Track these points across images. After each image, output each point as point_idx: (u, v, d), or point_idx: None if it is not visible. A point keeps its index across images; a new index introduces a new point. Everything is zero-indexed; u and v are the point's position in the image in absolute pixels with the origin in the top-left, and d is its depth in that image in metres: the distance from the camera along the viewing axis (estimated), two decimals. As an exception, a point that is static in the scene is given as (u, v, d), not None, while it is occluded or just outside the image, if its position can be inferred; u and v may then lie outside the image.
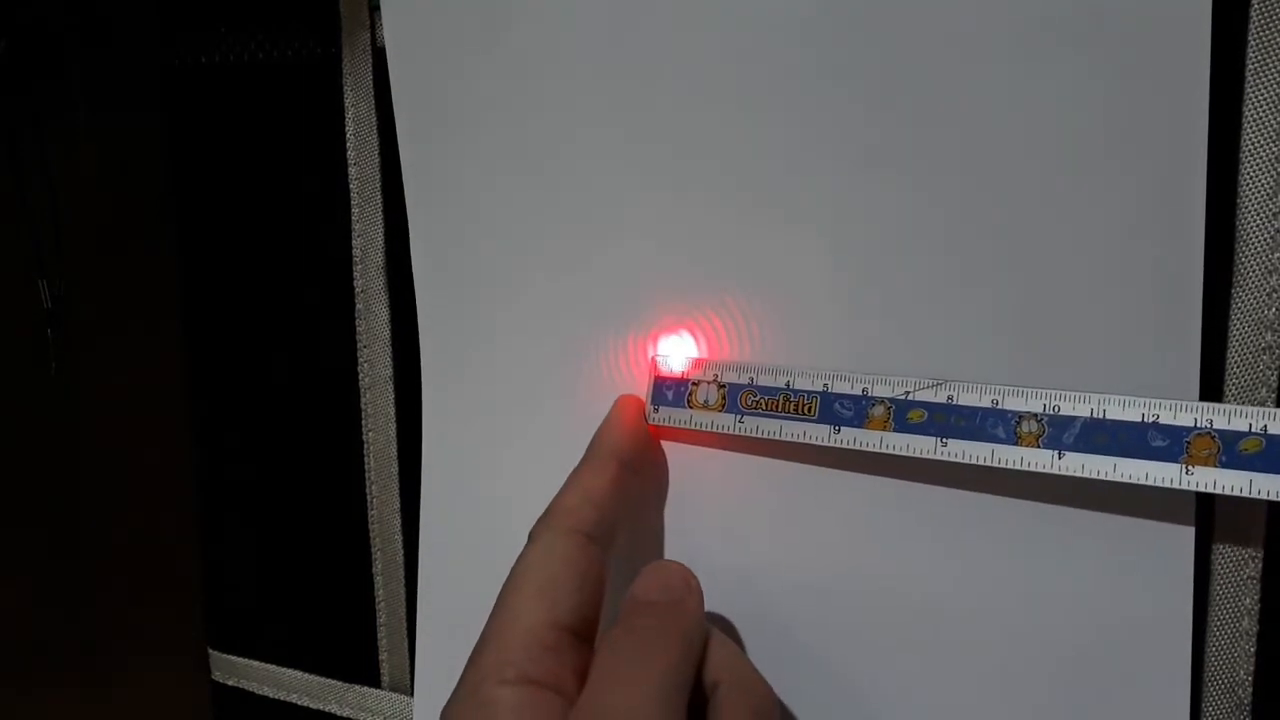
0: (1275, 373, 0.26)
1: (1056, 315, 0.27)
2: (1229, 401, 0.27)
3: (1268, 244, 0.26)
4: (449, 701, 0.25)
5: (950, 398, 0.27)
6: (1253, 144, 0.26)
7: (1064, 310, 0.27)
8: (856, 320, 0.29)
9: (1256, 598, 0.27)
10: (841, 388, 0.29)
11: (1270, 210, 0.26)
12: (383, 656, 0.40)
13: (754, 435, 0.30)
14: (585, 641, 0.27)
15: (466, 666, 0.26)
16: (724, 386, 0.30)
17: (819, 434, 0.29)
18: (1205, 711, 0.28)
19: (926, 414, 0.27)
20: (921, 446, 0.27)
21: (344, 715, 0.41)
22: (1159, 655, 0.27)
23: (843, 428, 0.28)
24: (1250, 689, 0.28)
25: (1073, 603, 0.28)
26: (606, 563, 0.28)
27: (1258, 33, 0.25)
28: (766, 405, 0.30)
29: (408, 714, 0.40)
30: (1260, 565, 0.27)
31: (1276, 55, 0.25)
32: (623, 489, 0.30)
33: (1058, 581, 0.28)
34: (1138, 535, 0.27)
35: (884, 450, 0.28)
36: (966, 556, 0.29)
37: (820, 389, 0.29)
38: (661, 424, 0.31)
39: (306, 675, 0.42)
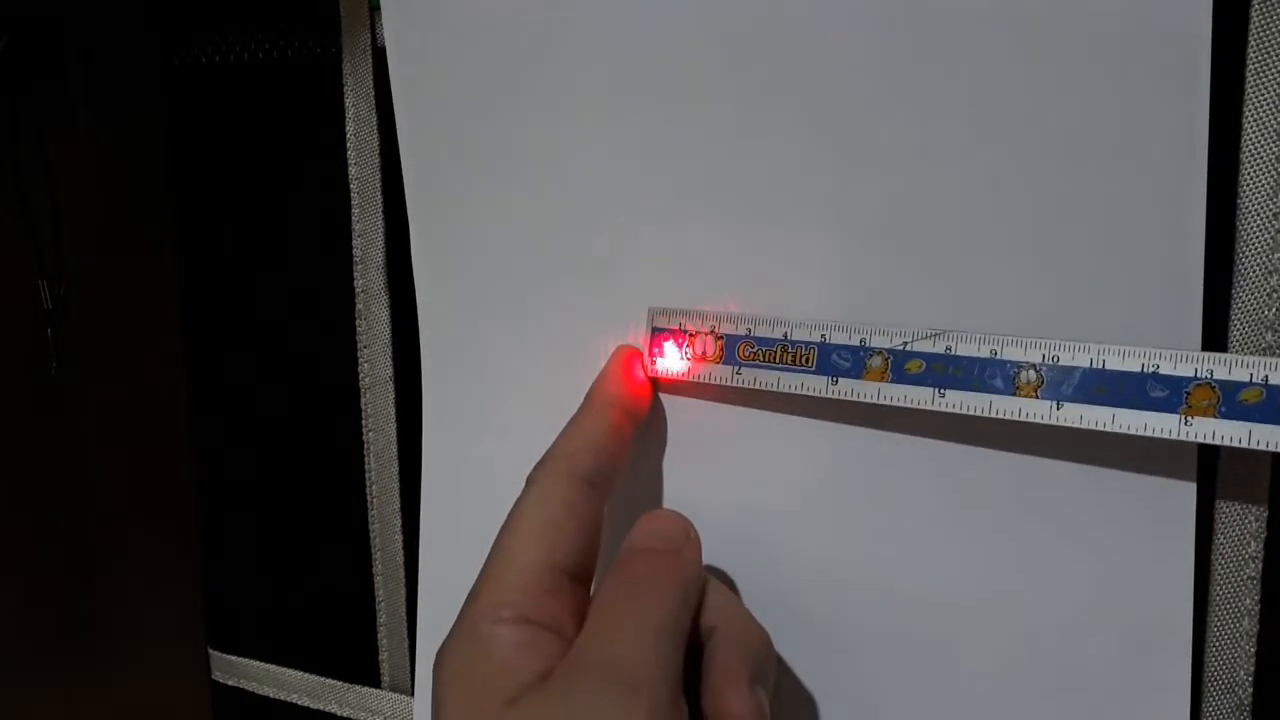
0: (1275, 373, 0.26)
1: (1058, 320, 0.27)
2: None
3: (1268, 244, 0.26)
4: (445, 640, 0.25)
5: (949, 348, 0.27)
6: (1253, 144, 0.26)
7: (1065, 312, 0.27)
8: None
9: (1256, 598, 0.27)
10: (839, 338, 0.28)
11: (1270, 210, 0.26)
12: (383, 656, 0.40)
13: (751, 387, 0.30)
14: (582, 585, 0.27)
15: (464, 606, 0.26)
16: (721, 338, 0.30)
17: (817, 385, 0.29)
18: (1205, 712, 0.28)
19: (924, 364, 0.27)
20: (919, 397, 0.27)
21: (344, 715, 0.41)
22: (1159, 656, 0.27)
23: (840, 379, 0.28)
24: (1250, 689, 0.28)
25: (1072, 603, 0.28)
26: (604, 509, 0.28)
27: (1258, 32, 0.25)
28: (764, 356, 0.29)
29: (408, 714, 0.40)
30: (1260, 565, 0.27)
31: (1277, 55, 0.25)
32: (621, 436, 0.30)
33: (1058, 584, 0.28)
34: (1139, 527, 0.27)
35: (881, 401, 0.28)
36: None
37: (818, 340, 0.29)
38: (660, 374, 0.31)
39: (306, 675, 0.42)
